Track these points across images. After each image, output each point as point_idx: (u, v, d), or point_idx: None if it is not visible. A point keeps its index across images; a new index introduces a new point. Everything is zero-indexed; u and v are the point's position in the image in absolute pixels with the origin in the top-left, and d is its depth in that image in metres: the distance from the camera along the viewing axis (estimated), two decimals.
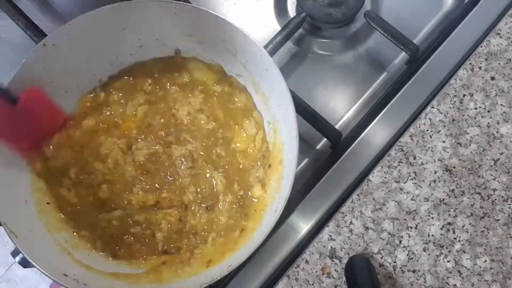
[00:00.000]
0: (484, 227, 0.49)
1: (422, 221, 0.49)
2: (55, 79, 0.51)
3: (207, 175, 0.53)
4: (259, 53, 0.49)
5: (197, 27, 0.52)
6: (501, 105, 0.53)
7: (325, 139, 0.59)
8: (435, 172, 0.51)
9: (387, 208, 0.50)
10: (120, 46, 0.54)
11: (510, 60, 0.55)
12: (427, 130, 0.52)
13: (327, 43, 0.63)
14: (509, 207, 0.49)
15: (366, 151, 0.54)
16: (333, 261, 0.49)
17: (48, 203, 0.49)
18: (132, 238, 0.51)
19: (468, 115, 0.53)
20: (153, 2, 0.50)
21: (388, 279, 0.48)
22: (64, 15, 0.64)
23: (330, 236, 0.49)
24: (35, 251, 0.44)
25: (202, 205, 0.52)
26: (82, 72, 0.53)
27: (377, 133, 0.55)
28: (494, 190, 0.50)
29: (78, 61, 0.52)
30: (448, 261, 0.48)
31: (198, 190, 0.52)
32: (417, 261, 0.48)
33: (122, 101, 0.55)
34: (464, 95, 0.54)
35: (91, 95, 0.54)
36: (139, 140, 0.54)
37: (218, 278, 0.43)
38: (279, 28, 0.60)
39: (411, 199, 0.50)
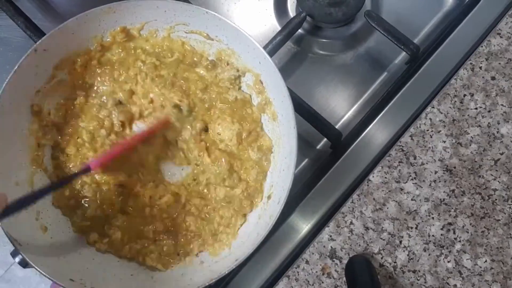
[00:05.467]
0: (484, 227, 0.49)
1: (422, 221, 0.49)
2: (47, 84, 0.50)
3: None
4: (252, 47, 0.49)
5: (189, 24, 0.52)
6: (502, 105, 0.53)
7: (325, 139, 0.59)
8: (436, 172, 0.51)
9: (387, 208, 0.50)
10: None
11: (511, 60, 0.55)
12: (428, 130, 0.52)
13: (327, 43, 0.63)
14: (510, 207, 0.49)
15: (366, 151, 0.54)
16: (333, 261, 0.49)
17: None
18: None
19: (468, 115, 0.53)
20: (142, 2, 0.50)
21: (389, 279, 0.48)
22: (64, 15, 0.64)
23: (330, 236, 0.49)
24: (39, 258, 0.44)
25: None
26: (74, 76, 0.53)
27: (377, 133, 0.55)
28: (495, 190, 0.50)
29: (70, 65, 0.52)
30: (448, 261, 0.48)
31: None
32: (418, 261, 0.48)
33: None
34: (464, 95, 0.54)
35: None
36: None
37: (226, 272, 0.44)
38: (279, 28, 0.60)
39: (412, 199, 0.50)
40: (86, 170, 0.48)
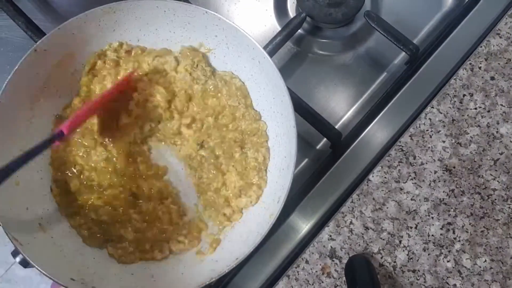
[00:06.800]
0: (484, 227, 0.49)
1: (422, 221, 0.49)
2: (47, 84, 0.51)
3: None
4: (251, 46, 0.49)
5: (188, 24, 0.52)
6: (501, 105, 0.53)
7: (325, 139, 0.59)
8: (435, 172, 0.51)
9: (387, 208, 0.50)
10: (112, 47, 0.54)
11: (510, 60, 0.55)
12: (427, 130, 0.52)
13: (327, 43, 0.63)
14: (509, 207, 0.49)
15: (366, 151, 0.54)
16: (333, 261, 0.49)
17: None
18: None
19: (468, 115, 0.53)
20: (142, 2, 0.50)
21: (388, 279, 0.48)
22: (64, 15, 0.64)
23: (330, 236, 0.49)
24: (40, 257, 0.44)
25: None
26: (75, 76, 0.53)
27: (377, 133, 0.55)
28: (494, 190, 0.50)
29: (70, 65, 0.52)
30: (448, 261, 0.48)
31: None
32: (417, 261, 0.48)
33: None
34: (464, 95, 0.54)
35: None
36: None
37: (226, 271, 0.44)
38: (279, 28, 0.60)
39: (411, 199, 0.50)
40: (59, 135, 0.45)
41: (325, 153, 0.59)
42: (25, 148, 0.49)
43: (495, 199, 0.50)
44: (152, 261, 0.50)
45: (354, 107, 0.61)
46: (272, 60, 0.48)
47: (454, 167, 0.51)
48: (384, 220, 0.50)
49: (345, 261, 0.48)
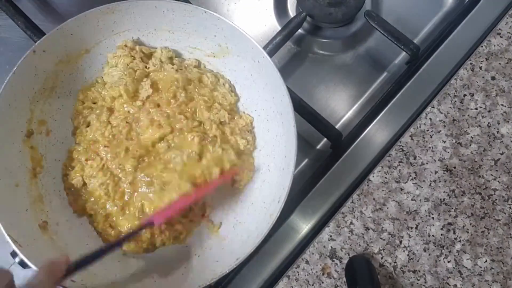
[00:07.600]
0: (484, 227, 0.49)
1: (422, 221, 0.49)
2: (46, 85, 0.50)
3: None
4: (251, 46, 0.49)
5: (187, 24, 0.52)
6: (502, 105, 0.53)
7: (325, 139, 0.59)
8: (436, 172, 0.51)
9: (388, 208, 0.50)
10: (110, 48, 0.54)
11: (511, 60, 0.55)
12: (428, 130, 0.52)
13: (327, 43, 0.63)
14: (510, 207, 0.49)
15: (366, 151, 0.54)
16: (333, 261, 0.49)
17: None
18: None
19: (468, 115, 0.53)
20: (141, 2, 0.50)
21: (389, 279, 0.48)
22: (64, 15, 0.64)
23: (330, 236, 0.49)
24: (40, 259, 0.43)
25: None
26: (73, 77, 0.53)
27: (377, 133, 0.55)
28: (495, 190, 0.50)
29: (69, 66, 0.52)
30: (448, 261, 0.48)
31: None
32: (418, 261, 0.48)
33: None
34: (464, 95, 0.54)
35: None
36: None
37: (226, 272, 0.44)
38: (279, 28, 0.60)
39: (412, 199, 0.50)
40: (149, 224, 0.45)
41: (325, 153, 0.59)
42: (23, 149, 0.49)
43: (496, 199, 0.49)
44: (153, 261, 0.50)
45: (354, 107, 0.61)
46: (272, 60, 0.48)
47: (454, 167, 0.51)
48: (385, 220, 0.49)
49: (345, 261, 0.48)
